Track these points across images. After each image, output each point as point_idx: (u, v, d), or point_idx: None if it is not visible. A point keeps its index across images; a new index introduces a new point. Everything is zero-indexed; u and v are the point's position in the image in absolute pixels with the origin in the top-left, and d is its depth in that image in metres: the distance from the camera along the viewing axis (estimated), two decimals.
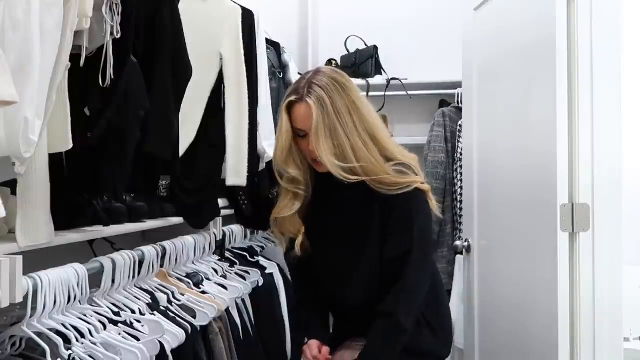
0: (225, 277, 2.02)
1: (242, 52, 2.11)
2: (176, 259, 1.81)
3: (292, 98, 1.64)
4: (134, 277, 1.55)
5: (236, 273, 2.12)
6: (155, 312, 1.51)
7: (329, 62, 3.50)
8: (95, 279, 1.40)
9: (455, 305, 2.86)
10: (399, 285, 1.63)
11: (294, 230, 1.76)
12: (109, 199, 1.59)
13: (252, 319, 2.09)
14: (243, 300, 2.05)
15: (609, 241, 1.92)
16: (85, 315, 1.32)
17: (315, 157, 1.64)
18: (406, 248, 1.63)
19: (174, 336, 1.44)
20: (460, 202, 3.02)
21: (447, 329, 1.86)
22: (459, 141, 3.10)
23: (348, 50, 3.53)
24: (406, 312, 1.63)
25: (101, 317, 1.35)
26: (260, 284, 2.19)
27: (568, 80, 1.90)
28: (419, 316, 1.71)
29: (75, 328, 1.26)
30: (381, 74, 3.45)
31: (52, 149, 1.23)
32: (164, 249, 1.73)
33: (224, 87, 2.10)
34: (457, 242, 2.77)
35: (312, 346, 1.76)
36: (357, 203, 1.70)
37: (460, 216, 3.00)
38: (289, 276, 2.36)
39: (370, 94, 3.33)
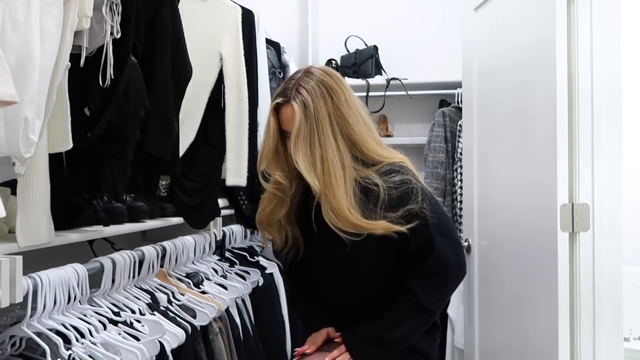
0: (225, 277, 2.02)
1: (242, 52, 2.11)
2: (176, 259, 1.82)
3: (279, 100, 1.61)
4: (134, 277, 1.55)
5: (236, 273, 2.12)
6: (155, 312, 1.51)
7: (329, 62, 3.50)
8: (95, 279, 1.40)
9: (455, 305, 2.86)
10: (423, 265, 1.58)
11: (280, 236, 1.71)
12: (109, 199, 1.59)
13: (252, 319, 2.09)
14: (243, 300, 2.05)
15: (609, 241, 1.91)
16: (85, 315, 1.32)
17: None
18: (428, 234, 1.57)
19: (174, 336, 1.44)
20: (460, 202, 3.02)
21: (439, 329, 1.85)
22: (459, 141, 3.10)
23: (348, 50, 3.52)
24: (425, 290, 1.58)
25: (101, 317, 1.35)
26: (260, 284, 2.19)
27: (568, 80, 1.90)
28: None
29: (75, 328, 1.26)
30: (381, 74, 3.45)
31: (52, 149, 1.24)
32: (164, 249, 1.73)
33: (224, 87, 2.10)
34: None
35: (323, 333, 1.69)
36: None
37: (460, 216, 2.99)
38: None
39: (370, 94, 3.33)
